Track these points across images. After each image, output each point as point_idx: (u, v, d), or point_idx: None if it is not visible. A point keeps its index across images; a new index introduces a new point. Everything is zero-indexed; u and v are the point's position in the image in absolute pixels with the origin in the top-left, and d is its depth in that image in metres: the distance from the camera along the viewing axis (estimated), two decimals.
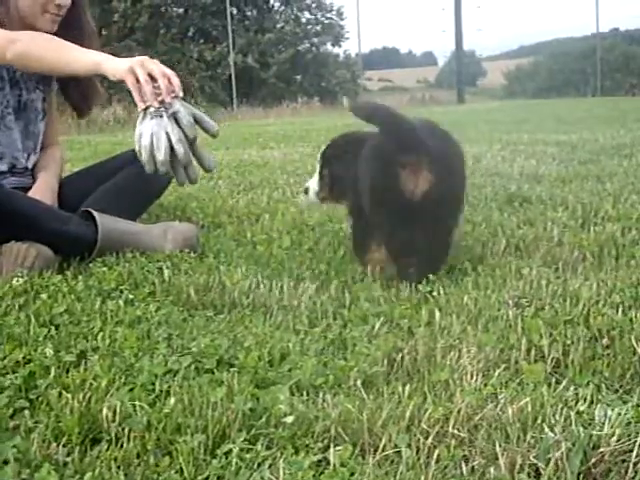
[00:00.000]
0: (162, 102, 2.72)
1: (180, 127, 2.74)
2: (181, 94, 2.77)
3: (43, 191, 3.38)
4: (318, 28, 37.65)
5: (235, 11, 32.73)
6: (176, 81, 2.75)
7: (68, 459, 1.42)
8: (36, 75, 3.43)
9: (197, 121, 2.83)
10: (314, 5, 37.22)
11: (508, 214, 3.70)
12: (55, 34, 3.21)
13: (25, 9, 3.22)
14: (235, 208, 4.21)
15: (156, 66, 2.77)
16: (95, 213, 3.15)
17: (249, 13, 37.05)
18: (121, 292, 2.58)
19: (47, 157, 3.66)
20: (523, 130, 9.38)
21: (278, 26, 36.96)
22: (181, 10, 35.41)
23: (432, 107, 24.57)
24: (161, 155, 2.74)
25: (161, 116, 2.74)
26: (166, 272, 2.78)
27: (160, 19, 33.74)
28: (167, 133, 2.73)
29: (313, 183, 3.03)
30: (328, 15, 37.79)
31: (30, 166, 3.55)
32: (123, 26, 33.29)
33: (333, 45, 38.29)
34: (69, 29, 3.30)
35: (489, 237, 3.19)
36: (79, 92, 3.55)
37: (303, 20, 37.72)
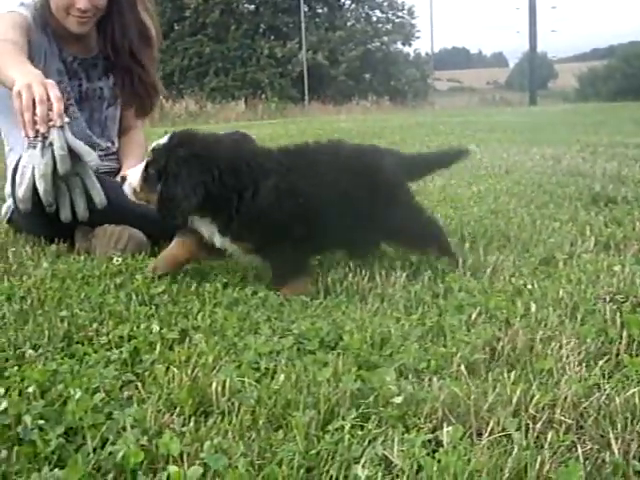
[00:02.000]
0: (37, 132, 2.54)
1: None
2: (59, 123, 2.55)
3: None
4: (389, 27, 37.63)
5: (306, 8, 32.81)
6: (57, 108, 2.54)
7: (184, 429, 1.46)
8: (103, 63, 3.48)
9: (78, 154, 2.63)
10: (385, 4, 37.19)
11: (595, 213, 3.68)
12: (104, 32, 3.30)
13: (54, 11, 3.27)
14: None
15: (41, 89, 2.54)
16: None
17: (320, 10, 37.18)
18: (215, 275, 2.63)
19: (130, 141, 3.72)
20: (601, 132, 9.27)
21: (349, 24, 37.04)
22: (252, 7, 35.67)
23: (503, 108, 24.37)
24: (20, 192, 2.62)
25: (34, 147, 2.57)
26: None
27: (231, 15, 34.02)
28: (33, 167, 2.58)
29: (133, 177, 2.59)
30: (399, 14, 37.74)
31: (114, 149, 3.61)
32: (195, 22, 33.65)
33: (403, 44, 38.22)
34: (114, 29, 3.36)
35: (577, 235, 3.18)
36: (135, 90, 3.56)
37: (374, 18, 37.75)
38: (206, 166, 2.41)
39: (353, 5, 38.43)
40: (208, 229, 2.53)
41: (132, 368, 1.84)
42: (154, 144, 2.52)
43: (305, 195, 2.47)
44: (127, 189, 2.58)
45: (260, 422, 1.50)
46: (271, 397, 1.58)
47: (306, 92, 25.97)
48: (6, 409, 1.54)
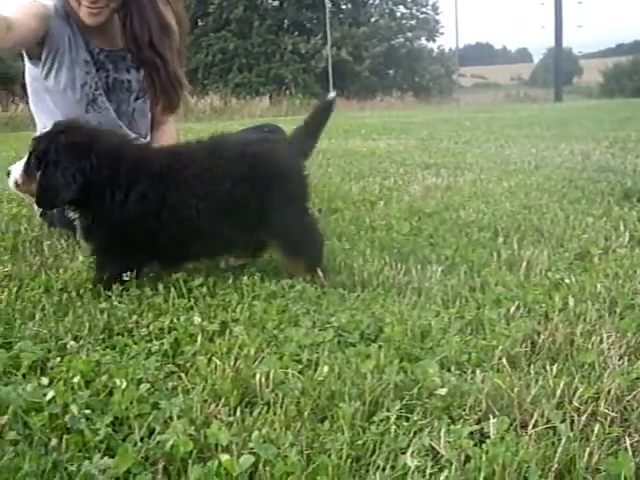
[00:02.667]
0: None
1: None
2: None
3: None
4: (413, 22, 37.53)
5: (330, 4, 32.78)
6: None
7: (231, 419, 1.47)
8: (130, 55, 3.49)
9: None
10: None
11: (628, 208, 3.66)
12: (124, 25, 3.29)
13: (70, 1, 3.29)
14: (349, 194, 4.28)
15: None
16: None
17: (344, 6, 37.12)
18: (251, 269, 2.64)
19: (162, 134, 3.73)
20: (628, 128, 9.21)
21: (372, 20, 36.98)
22: (276, 2, 35.67)
23: (528, 104, 24.28)
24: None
25: None
26: None
27: (255, 11, 34.03)
28: None
29: (16, 170, 2.56)
30: (423, 9, 37.63)
31: (145, 140, 3.62)
32: (219, 18, 33.70)
33: (427, 40, 38.10)
34: (133, 22, 3.34)
35: (611, 230, 3.17)
36: (160, 84, 3.54)
37: (398, 14, 37.67)
38: (85, 154, 2.38)
39: (377, 1, 38.37)
40: (78, 224, 2.55)
41: (173, 359, 1.85)
42: (36, 134, 2.53)
43: (171, 209, 2.45)
44: (10, 183, 2.57)
45: (305, 413, 1.51)
46: (315, 388, 1.59)
47: (331, 88, 25.95)
48: (53, 398, 1.56)
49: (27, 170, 2.48)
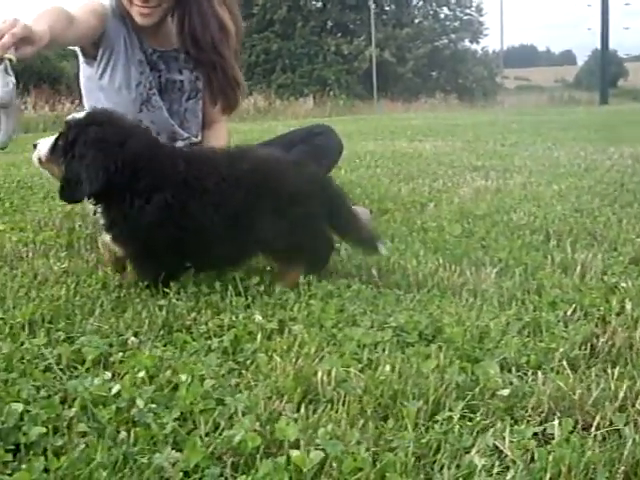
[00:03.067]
0: None
1: None
2: (4, 54, 2.39)
3: None
4: (456, 24, 37.42)
5: (374, 5, 32.77)
6: (4, 40, 2.39)
7: (295, 415, 1.49)
8: (183, 57, 3.51)
9: None
10: (453, 1, 36.98)
11: None
12: (183, 27, 3.30)
13: (123, 1, 3.34)
14: (398, 196, 4.29)
15: (5, 24, 2.44)
16: None
17: (387, 7, 37.10)
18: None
19: (214, 134, 3.74)
20: None
21: (416, 21, 36.91)
22: (320, 4, 35.73)
23: (573, 107, 24.09)
24: None
25: None
26: (343, 252, 2.85)
27: (299, 12, 34.13)
28: None
29: (43, 146, 2.52)
30: (467, 11, 37.51)
31: (195, 139, 3.65)
32: (262, 19, 33.83)
33: (471, 42, 37.96)
34: (193, 24, 3.37)
35: None
36: (220, 85, 3.54)
37: (441, 16, 37.60)
38: (112, 153, 2.35)
39: (421, 2, 38.31)
40: (99, 219, 2.52)
41: (233, 357, 1.87)
42: (70, 117, 2.47)
43: (191, 217, 2.43)
44: (34, 157, 2.54)
45: (368, 411, 1.52)
46: (378, 387, 1.60)
47: (375, 89, 25.93)
48: (119, 392, 1.59)
49: (53, 151, 2.46)
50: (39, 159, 2.51)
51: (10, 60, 2.38)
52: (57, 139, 2.44)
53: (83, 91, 3.55)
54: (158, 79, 3.48)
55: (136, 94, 3.39)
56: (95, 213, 2.53)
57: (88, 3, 3.21)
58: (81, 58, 3.44)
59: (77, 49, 3.39)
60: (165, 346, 1.94)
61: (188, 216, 2.41)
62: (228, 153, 2.64)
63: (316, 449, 1.32)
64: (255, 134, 9.59)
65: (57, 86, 24.41)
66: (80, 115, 2.43)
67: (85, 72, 3.47)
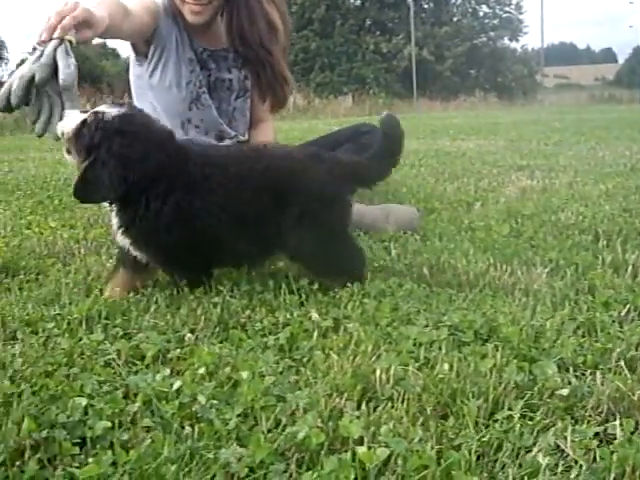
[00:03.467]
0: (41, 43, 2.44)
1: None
2: (57, 34, 2.42)
3: None
4: (495, 22, 37.23)
5: (412, 4, 32.69)
6: (66, 20, 2.43)
7: (357, 413, 1.50)
8: (233, 56, 3.55)
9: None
10: None
11: None
12: (231, 25, 3.34)
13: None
14: (444, 195, 4.29)
15: (68, 4, 2.48)
16: None
17: (426, 6, 37.00)
18: None
19: (261, 133, 3.77)
20: None
21: (455, 19, 36.78)
22: (358, 2, 35.72)
23: (614, 105, 23.86)
24: None
25: (31, 56, 2.46)
26: (394, 251, 2.87)
27: (337, 11, 34.13)
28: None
29: (70, 123, 2.39)
30: (506, 9, 37.30)
31: (243, 138, 3.68)
32: (301, 17, 33.88)
33: (510, 40, 37.74)
34: (241, 21, 3.37)
35: None
36: (269, 82, 3.58)
37: (480, 13, 37.45)
38: (134, 167, 2.32)
39: (460, 0, 38.16)
40: (114, 221, 2.49)
41: (290, 354, 1.89)
42: (102, 108, 2.38)
43: (205, 218, 2.42)
44: (58, 129, 2.42)
45: (428, 410, 1.53)
46: (437, 386, 1.61)
47: (414, 88, 25.85)
48: (181, 388, 1.61)
49: (77, 136, 2.37)
50: (62, 133, 2.42)
51: (70, 42, 2.41)
52: (83, 124, 2.35)
53: (133, 89, 3.59)
54: (207, 78, 3.51)
55: (186, 92, 3.43)
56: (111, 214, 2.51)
57: (142, 0, 3.25)
58: (132, 56, 3.48)
59: (129, 46, 3.44)
60: (222, 343, 1.96)
61: (201, 218, 2.40)
62: (252, 153, 2.62)
63: (380, 446, 1.33)
64: (296, 133, 9.62)
65: (98, 85, 24.61)
66: (110, 114, 2.35)
67: (135, 71, 3.52)
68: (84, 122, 2.34)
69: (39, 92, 2.42)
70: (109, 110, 2.35)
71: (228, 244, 2.47)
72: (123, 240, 2.45)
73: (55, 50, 2.38)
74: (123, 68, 41.23)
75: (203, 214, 2.39)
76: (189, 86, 3.44)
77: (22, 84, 2.38)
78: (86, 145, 2.33)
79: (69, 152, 2.42)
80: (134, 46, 3.44)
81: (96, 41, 2.66)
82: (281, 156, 2.54)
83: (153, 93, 3.47)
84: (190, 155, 2.47)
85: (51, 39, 2.40)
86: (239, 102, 3.66)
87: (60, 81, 2.38)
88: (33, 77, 2.37)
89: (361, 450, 1.29)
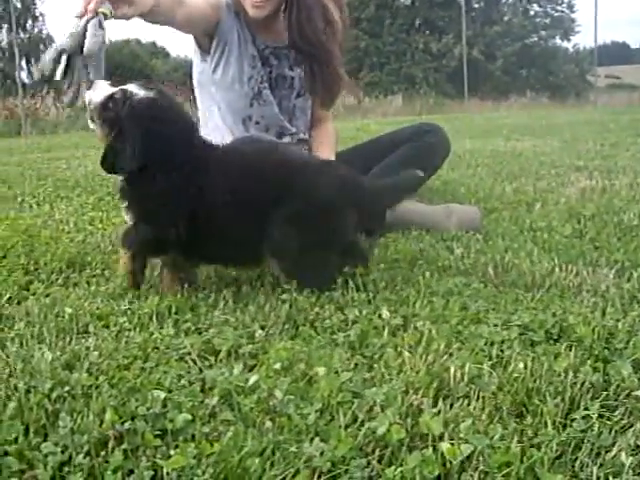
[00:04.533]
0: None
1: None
2: (98, 8, 2.45)
3: None
4: (547, 21, 36.85)
5: (463, 2, 32.49)
6: None
7: (434, 410, 1.51)
8: (294, 53, 3.56)
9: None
10: None
11: None
12: (290, 19, 3.33)
13: None
14: (503, 195, 4.28)
15: None
16: None
17: (477, 5, 36.76)
18: (418, 266, 2.69)
19: (322, 132, 3.79)
20: None
21: (505, 18, 36.48)
22: (408, 1, 35.56)
23: None
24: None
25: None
26: (457, 250, 2.87)
27: (387, 10, 34.02)
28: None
29: (99, 95, 2.45)
30: (558, 8, 36.89)
31: (303, 137, 3.69)
32: (350, 16, 33.82)
33: (562, 39, 37.32)
34: (300, 16, 3.36)
35: None
36: (324, 79, 3.55)
37: (532, 12, 37.06)
38: (155, 137, 2.37)
39: None
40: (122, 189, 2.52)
41: (360, 351, 1.90)
42: (130, 86, 2.43)
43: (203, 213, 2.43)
44: (87, 96, 2.47)
45: (504, 408, 1.53)
46: (512, 384, 1.61)
47: (466, 88, 25.69)
48: (257, 382, 1.63)
49: (104, 108, 2.43)
50: (89, 102, 2.47)
51: (105, 15, 2.45)
52: (110, 98, 2.41)
53: (195, 86, 3.63)
54: (269, 74, 3.54)
55: (248, 88, 3.45)
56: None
57: None
58: (196, 51, 3.53)
59: (192, 40, 3.48)
60: (292, 340, 1.98)
61: (200, 211, 2.42)
62: (261, 154, 2.63)
63: (461, 443, 1.34)
64: (349, 132, 9.62)
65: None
66: (137, 94, 2.41)
67: (198, 67, 3.55)
68: (111, 96, 2.40)
69: (70, 64, 2.46)
70: (137, 90, 2.41)
71: (218, 239, 2.48)
72: (126, 215, 2.51)
73: (87, 22, 2.43)
74: (173, 67, 41.63)
75: (196, 203, 2.41)
76: (250, 82, 3.47)
77: (53, 55, 2.44)
78: (111, 118, 2.40)
79: (92, 120, 2.47)
80: (197, 40, 3.48)
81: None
82: (286, 160, 2.56)
83: (216, 89, 3.51)
84: (204, 147, 2.53)
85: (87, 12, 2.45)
86: (300, 100, 3.67)
87: (85, 50, 2.43)
88: (64, 49, 2.42)
89: (445, 446, 1.30)
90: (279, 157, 2.57)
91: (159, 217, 2.44)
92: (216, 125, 3.56)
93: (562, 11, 37.04)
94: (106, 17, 2.44)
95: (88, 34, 2.39)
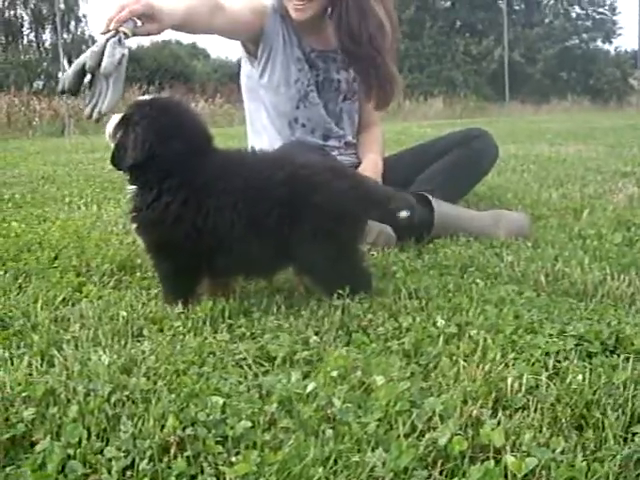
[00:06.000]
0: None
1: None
2: (120, 27, 2.50)
3: (370, 171, 3.47)
4: (588, 23, 36.58)
5: (504, 5, 32.33)
6: (122, 15, 2.51)
7: (493, 421, 1.50)
8: (342, 57, 3.57)
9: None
10: None
11: None
12: (340, 22, 3.33)
13: None
14: (550, 201, 4.26)
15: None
16: (430, 197, 3.28)
17: (517, 7, 36.57)
18: (468, 273, 2.68)
19: (370, 137, 3.79)
20: None
21: (546, 20, 36.26)
22: (448, 3, 35.51)
23: None
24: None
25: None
26: (508, 257, 2.86)
27: (427, 12, 33.97)
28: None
29: (111, 122, 2.53)
30: (600, 10, 36.61)
31: (350, 140, 3.69)
32: None
33: (603, 42, 37.02)
34: (350, 18, 3.34)
35: None
36: (378, 80, 3.54)
37: (573, 15, 36.82)
38: (158, 133, 2.37)
39: (551, 1, 37.63)
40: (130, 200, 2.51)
41: (415, 358, 1.90)
42: (139, 99, 2.53)
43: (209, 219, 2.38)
44: (105, 130, 2.54)
45: (563, 420, 1.53)
46: (571, 396, 1.60)
47: (507, 91, 25.55)
48: (314, 390, 1.64)
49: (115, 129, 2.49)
50: (108, 135, 2.54)
51: (125, 34, 2.49)
52: (123, 118, 2.48)
53: (243, 90, 3.66)
54: (316, 77, 3.55)
55: (294, 91, 3.48)
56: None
57: (248, 1, 3.32)
58: (244, 56, 3.55)
59: (240, 45, 3.51)
60: (346, 346, 1.98)
61: (206, 217, 2.37)
62: (269, 159, 2.60)
63: (523, 456, 1.33)
64: (391, 135, 9.59)
65: (190, 84, 25.01)
66: (144, 98, 2.50)
67: (246, 71, 3.59)
68: (123, 117, 2.46)
69: (93, 79, 2.50)
70: (145, 97, 2.49)
71: (230, 251, 2.42)
72: (131, 224, 2.51)
73: (107, 40, 2.47)
74: (213, 69, 41.81)
75: (205, 217, 2.37)
76: (297, 84, 3.49)
77: (74, 70, 2.48)
78: (119, 123, 2.46)
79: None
80: (243, 45, 3.51)
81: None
82: (301, 166, 2.47)
83: (264, 92, 3.53)
84: (214, 155, 2.50)
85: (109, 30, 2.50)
86: (346, 104, 3.68)
87: (101, 69, 2.46)
88: (85, 64, 2.46)
89: (510, 459, 1.30)
90: (289, 162, 2.51)
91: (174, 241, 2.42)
92: (264, 127, 3.59)
93: (604, 13, 36.80)
94: (127, 36, 2.49)
95: (106, 53, 2.44)
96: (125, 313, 2.27)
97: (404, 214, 2.50)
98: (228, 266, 2.49)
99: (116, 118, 2.50)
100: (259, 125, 3.62)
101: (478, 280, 2.52)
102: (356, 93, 3.69)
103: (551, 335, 2.00)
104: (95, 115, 2.48)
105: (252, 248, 2.39)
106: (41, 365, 1.87)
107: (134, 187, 2.46)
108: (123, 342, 2.05)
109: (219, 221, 2.35)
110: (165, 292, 2.50)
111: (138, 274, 2.79)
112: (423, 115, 21.28)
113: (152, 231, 2.44)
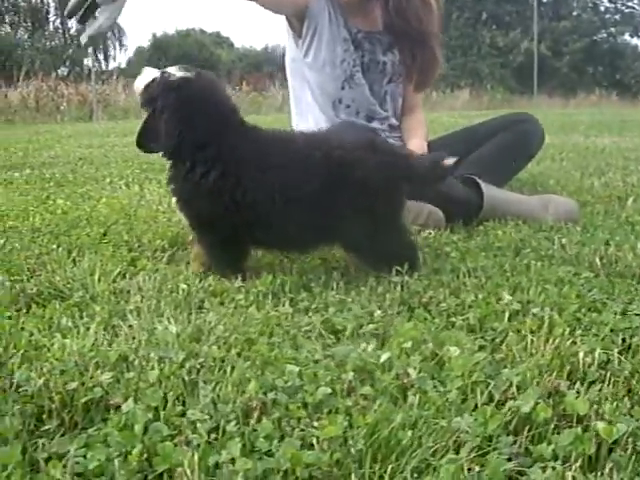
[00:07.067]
0: None
1: None
2: None
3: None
4: (617, 17, 36.30)
5: None
6: None
7: (572, 391, 1.51)
8: (388, 39, 3.58)
9: None
10: None
11: None
12: (387, 3, 3.38)
13: None
14: (593, 189, 4.25)
15: None
16: (479, 180, 3.28)
17: (545, 0, 36.34)
18: (522, 254, 2.69)
19: (413, 120, 3.79)
20: None
21: (574, 14, 36.02)
22: None
23: None
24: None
25: None
26: (557, 240, 2.86)
27: (453, 3, 33.80)
28: None
29: (143, 79, 2.53)
30: (629, 3, 36.31)
31: (394, 123, 3.70)
32: None
33: (631, 36, 36.75)
34: None
35: None
36: (422, 61, 3.57)
37: (601, 8, 36.56)
38: (187, 117, 2.40)
39: None
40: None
41: (481, 334, 1.91)
42: (171, 69, 2.49)
43: (247, 193, 2.39)
44: (135, 83, 2.54)
45: (635, 391, 1.54)
46: None
47: (535, 83, 25.43)
48: (388, 360, 1.65)
49: (145, 89, 2.49)
50: (136, 88, 2.55)
51: None
52: (152, 81, 2.48)
53: (288, 72, 3.67)
54: (361, 58, 3.55)
55: (340, 71, 3.48)
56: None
57: None
58: (289, 34, 3.55)
59: (285, 22, 3.51)
60: (410, 320, 1.99)
61: (245, 192, 2.39)
62: (303, 138, 2.60)
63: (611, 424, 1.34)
64: (434, 125, 9.57)
65: (215, 72, 25.02)
66: (174, 74, 2.46)
67: (291, 51, 3.59)
68: (153, 80, 2.46)
69: (90, 7, 2.59)
70: (175, 71, 2.46)
71: (269, 226, 2.45)
72: (172, 197, 2.56)
73: None
74: (237, 57, 41.84)
75: (244, 189, 2.39)
76: (343, 65, 3.49)
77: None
78: (148, 99, 2.46)
79: (142, 106, 2.54)
80: (289, 22, 3.51)
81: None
82: (335, 145, 2.46)
83: (308, 71, 3.54)
84: (247, 131, 2.52)
85: None
86: (391, 86, 3.68)
87: None
88: None
89: (601, 425, 1.31)
90: (326, 140, 2.52)
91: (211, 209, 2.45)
92: (308, 106, 3.59)
93: (633, 7, 36.49)
94: None
95: None
96: (185, 286, 2.29)
97: (450, 161, 2.57)
98: (267, 240, 2.54)
99: (147, 74, 2.51)
100: (304, 105, 3.63)
101: (533, 261, 2.53)
102: (401, 76, 3.68)
103: (615, 313, 2.01)
104: (83, 39, 2.61)
105: (290, 225, 2.42)
106: (105, 335, 1.89)
107: (169, 161, 2.51)
108: (186, 313, 2.06)
109: (259, 196, 2.38)
110: (215, 265, 2.53)
111: (189, 249, 2.81)
112: (450, 106, 21.21)
113: (191, 204, 2.48)
